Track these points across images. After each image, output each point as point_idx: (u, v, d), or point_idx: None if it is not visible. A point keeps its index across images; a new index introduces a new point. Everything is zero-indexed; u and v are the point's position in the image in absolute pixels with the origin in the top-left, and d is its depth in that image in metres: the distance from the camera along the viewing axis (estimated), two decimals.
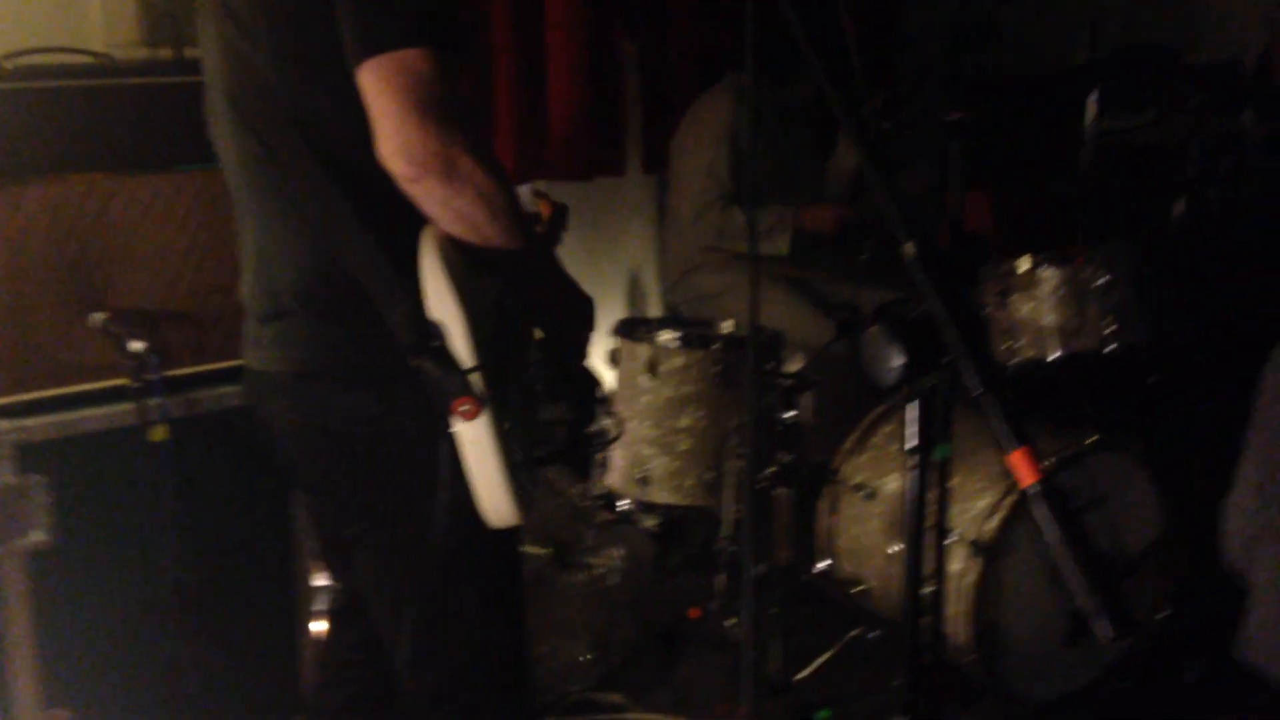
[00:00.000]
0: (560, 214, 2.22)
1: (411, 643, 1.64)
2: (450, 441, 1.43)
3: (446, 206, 1.43)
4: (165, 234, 2.40)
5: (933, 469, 1.30)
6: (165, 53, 2.68)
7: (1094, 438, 2.64)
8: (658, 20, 3.79)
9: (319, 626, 2.53)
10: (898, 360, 1.05)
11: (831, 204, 3.51)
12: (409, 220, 1.47)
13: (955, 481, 2.60)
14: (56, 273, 2.24)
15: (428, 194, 1.42)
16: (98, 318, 2.26)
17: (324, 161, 1.49)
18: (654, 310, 4.13)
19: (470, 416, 1.39)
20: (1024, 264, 2.90)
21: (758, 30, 1.48)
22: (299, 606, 2.52)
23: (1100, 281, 2.82)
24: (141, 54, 2.76)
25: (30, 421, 2.20)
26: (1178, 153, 3.09)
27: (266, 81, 1.52)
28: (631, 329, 3.08)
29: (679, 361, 2.97)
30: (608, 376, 3.22)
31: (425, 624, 1.62)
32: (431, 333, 1.41)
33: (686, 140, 3.51)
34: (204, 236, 2.44)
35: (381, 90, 1.40)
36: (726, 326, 3.21)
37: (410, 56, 1.39)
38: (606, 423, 2.68)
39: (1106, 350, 2.84)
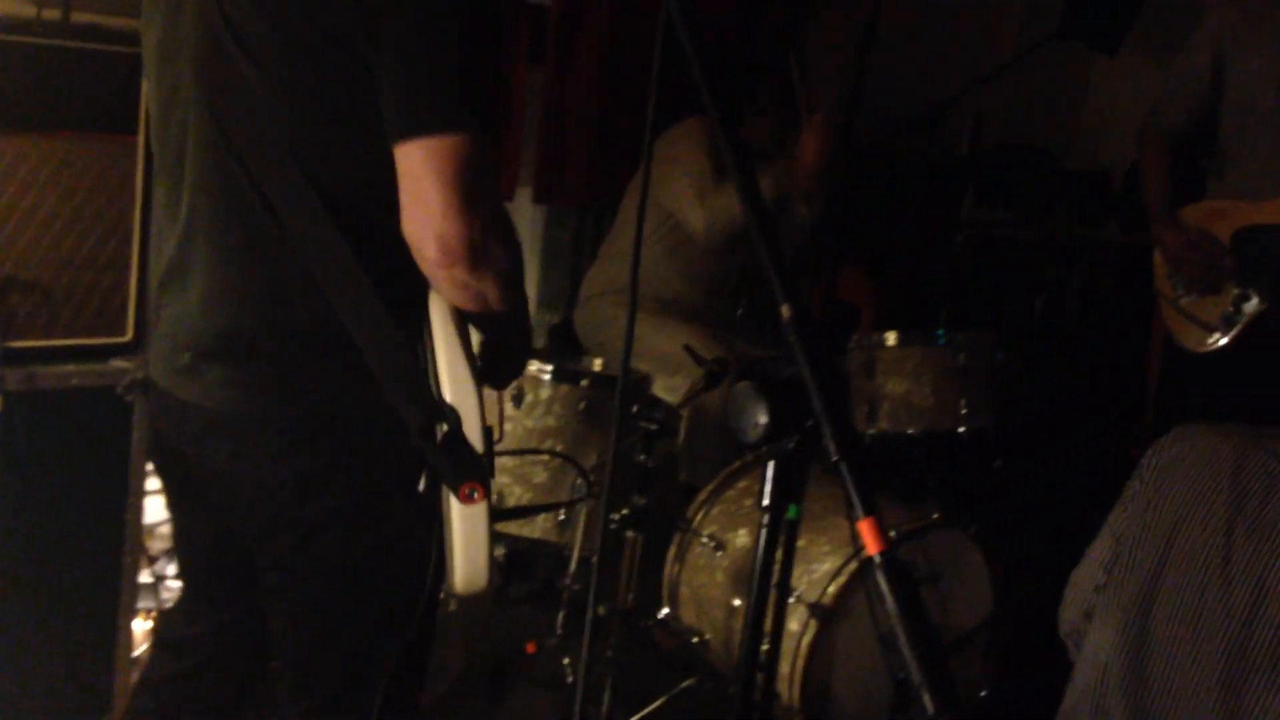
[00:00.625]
0: None
1: (319, 690, 1.62)
2: (434, 518, 1.44)
3: (466, 289, 1.43)
4: (27, 200, 2.30)
5: (782, 528, 1.32)
6: (51, 13, 2.58)
7: (936, 515, 2.72)
8: (565, 53, 3.81)
9: (141, 625, 2.43)
10: (762, 418, 1.07)
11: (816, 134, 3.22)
12: (417, 284, 1.46)
13: (802, 543, 2.65)
14: None
15: (450, 279, 1.42)
16: None
17: (334, 215, 1.45)
18: None
19: (477, 501, 1.39)
20: (891, 339, 2.98)
21: (661, 78, 1.49)
22: (121, 604, 2.41)
23: (959, 365, 2.92)
24: (26, 12, 2.66)
25: None
26: (1043, 252, 3.23)
27: (269, 116, 1.46)
28: None
29: (545, 394, 2.96)
30: None
31: (336, 674, 1.61)
32: (445, 415, 1.40)
33: (669, 151, 3.45)
34: (67, 207, 2.35)
35: (425, 174, 1.38)
36: (596, 364, 3.22)
37: (456, 143, 1.38)
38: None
39: (958, 432, 2.94)
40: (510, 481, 2.95)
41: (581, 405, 2.94)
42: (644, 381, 3.08)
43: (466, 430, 1.40)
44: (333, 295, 1.45)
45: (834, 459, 1.02)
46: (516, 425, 2.96)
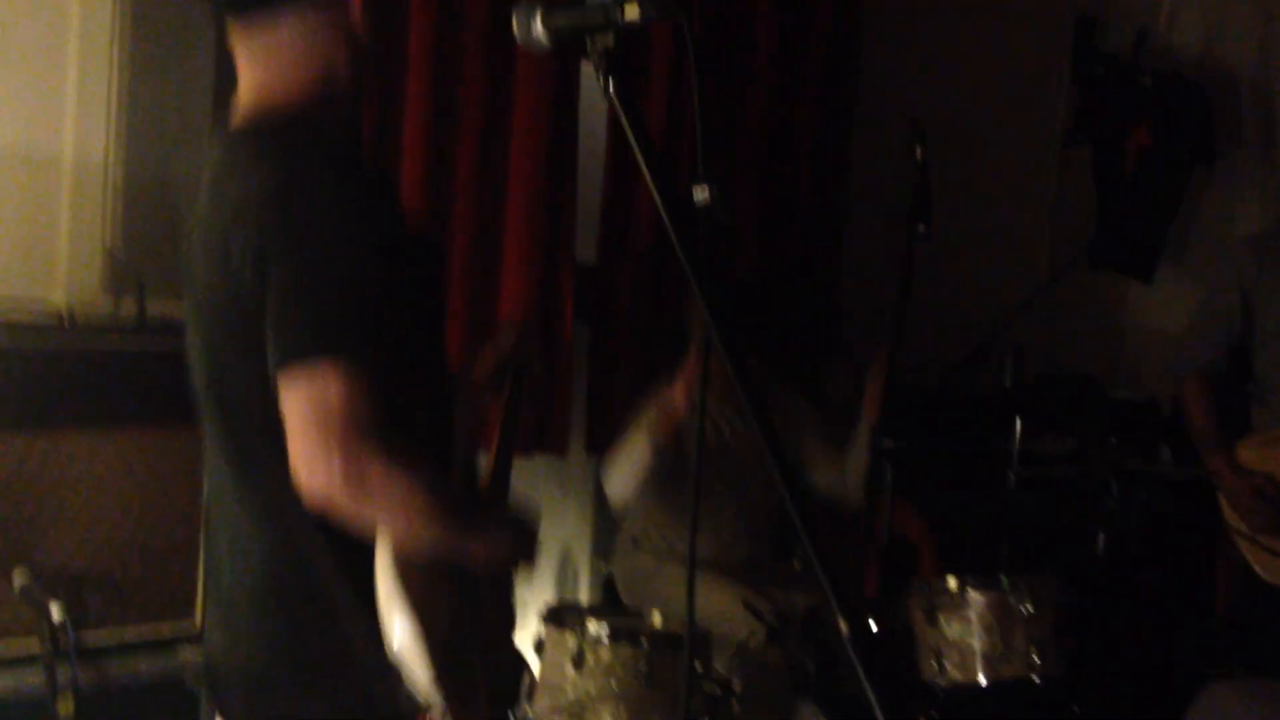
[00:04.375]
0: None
1: None
2: None
3: (361, 521, 1.45)
4: (101, 495, 2.39)
5: None
6: (128, 305, 2.72)
7: None
8: (607, 308, 3.95)
9: None
10: None
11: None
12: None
13: None
14: None
15: (336, 513, 1.43)
16: (20, 578, 2.22)
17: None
18: (584, 593, 4.09)
19: None
20: (952, 584, 2.95)
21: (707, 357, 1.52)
22: None
23: (1025, 610, 2.87)
24: (103, 305, 2.80)
25: None
26: (1099, 484, 3.22)
27: (243, 383, 1.52)
28: (560, 617, 3.04)
29: (606, 657, 2.92)
30: (533, 663, 3.15)
31: None
32: (389, 665, 1.42)
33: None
34: (138, 500, 2.43)
35: (289, 403, 1.40)
36: (655, 620, 3.17)
37: (323, 369, 1.39)
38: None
39: (1031, 679, 2.86)
40: None
41: (643, 667, 2.89)
42: (706, 638, 3.04)
43: (412, 680, 1.42)
44: (299, 546, 1.50)
45: None
46: (579, 691, 2.91)
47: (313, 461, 1.38)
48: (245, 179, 1.50)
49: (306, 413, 1.38)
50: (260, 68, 1.59)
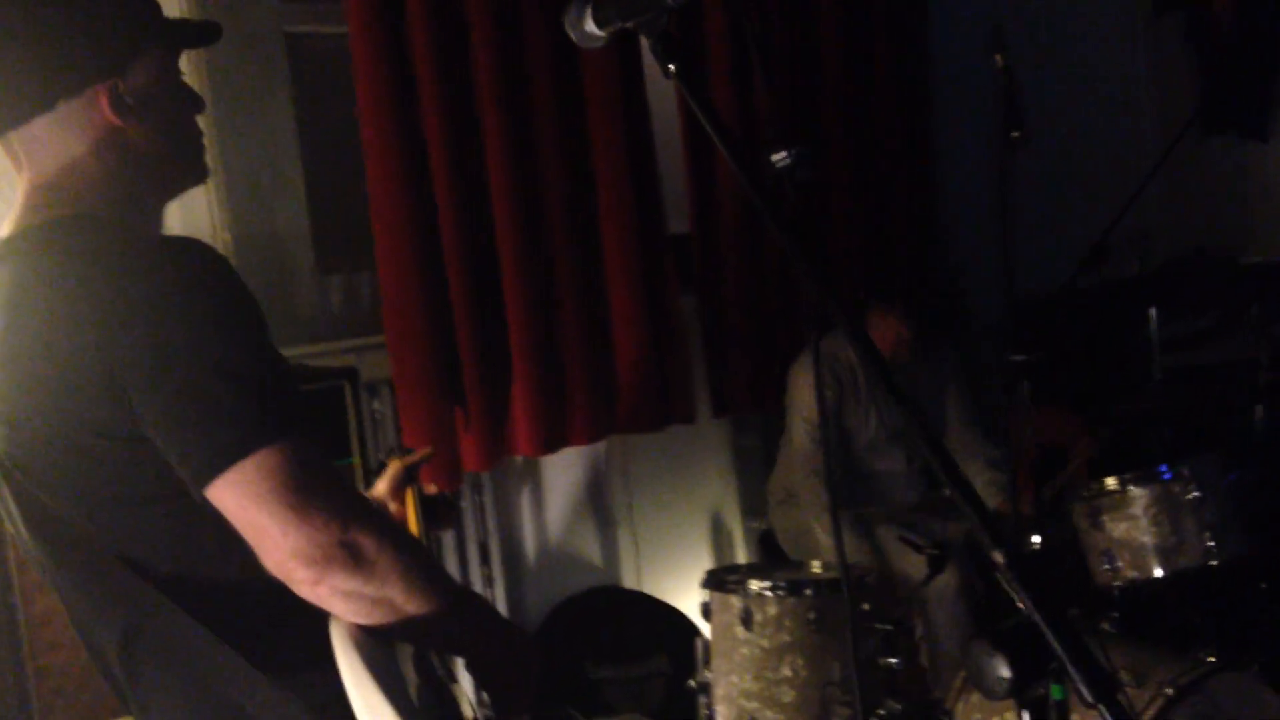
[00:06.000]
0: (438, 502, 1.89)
1: None
2: None
3: (358, 598, 1.27)
4: None
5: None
6: None
7: (1212, 658, 2.56)
8: (712, 276, 3.95)
9: None
10: (1004, 672, 1.06)
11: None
12: (300, 625, 1.32)
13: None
14: None
15: (333, 591, 1.26)
16: None
17: (176, 592, 1.31)
18: (740, 553, 4.13)
19: None
20: (1111, 484, 2.89)
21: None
22: None
23: (1191, 496, 2.79)
24: None
25: None
26: (1248, 359, 3.11)
27: (84, 530, 1.34)
28: (720, 581, 3.07)
29: (772, 611, 2.94)
30: (704, 629, 3.20)
31: None
32: None
33: (793, 380, 3.59)
34: None
35: (244, 504, 1.23)
36: (815, 567, 3.19)
37: (260, 459, 1.23)
38: None
39: (1211, 564, 2.79)
40: (758, 706, 2.92)
41: (811, 615, 2.90)
42: (868, 577, 3.04)
43: None
44: (211, 677, 1.30)
45: (1091, 703, 1.00)
46: (753, 647, 2.94)
47: (298, 539, 1.23)
48: (53, 290, 1.29)
49: (270, 500, 1.23)
50: (29, 168, 1.40)
